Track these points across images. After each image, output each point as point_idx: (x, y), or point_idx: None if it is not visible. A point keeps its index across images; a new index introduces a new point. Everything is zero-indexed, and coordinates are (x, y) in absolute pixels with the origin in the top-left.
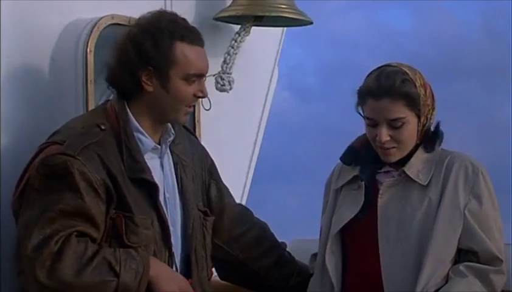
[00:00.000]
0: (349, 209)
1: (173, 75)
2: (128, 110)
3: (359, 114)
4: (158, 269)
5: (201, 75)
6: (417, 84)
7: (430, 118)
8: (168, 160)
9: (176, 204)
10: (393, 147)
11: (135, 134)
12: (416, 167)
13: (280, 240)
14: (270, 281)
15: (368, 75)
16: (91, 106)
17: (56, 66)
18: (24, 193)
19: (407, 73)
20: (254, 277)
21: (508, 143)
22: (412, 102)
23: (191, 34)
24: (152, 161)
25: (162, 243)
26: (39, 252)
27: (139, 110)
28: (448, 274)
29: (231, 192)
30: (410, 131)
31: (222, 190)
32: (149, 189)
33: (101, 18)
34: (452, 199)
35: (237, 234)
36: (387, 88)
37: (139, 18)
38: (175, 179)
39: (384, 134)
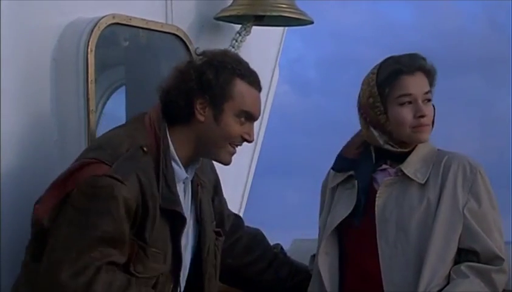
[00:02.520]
0: (343, 209)
1: (227, 109)
2: (168, 135)
3: (377, 104)
4: None
5: (252, 117)
6: None
7: None
8: (189, 184)
9: (188, 228)
10: (427, 124)
11: (172, 162)
12: (413, 166)
13: (277, 240)
14: (266, 285)
15: (382, 64)
16: (92, 106)
17: (57, 65)
18: (60, 207)
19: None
20: (250, 283)
21: (509, 135)
22: (433, 79)
23: (251, 76)
24: (177, 188)
25: (170, 276)
26: (74, 281)
27: (181, 138)
28: (449, 274)
29: (232, 191)
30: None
31: (223, 203)
32: (176, 222)
33: (102, 18)
34: (451, 199)
35: (227, 245)
36: (418, 63)
37: (204, 51)
38: (190, 202)
39: (424, 108)
